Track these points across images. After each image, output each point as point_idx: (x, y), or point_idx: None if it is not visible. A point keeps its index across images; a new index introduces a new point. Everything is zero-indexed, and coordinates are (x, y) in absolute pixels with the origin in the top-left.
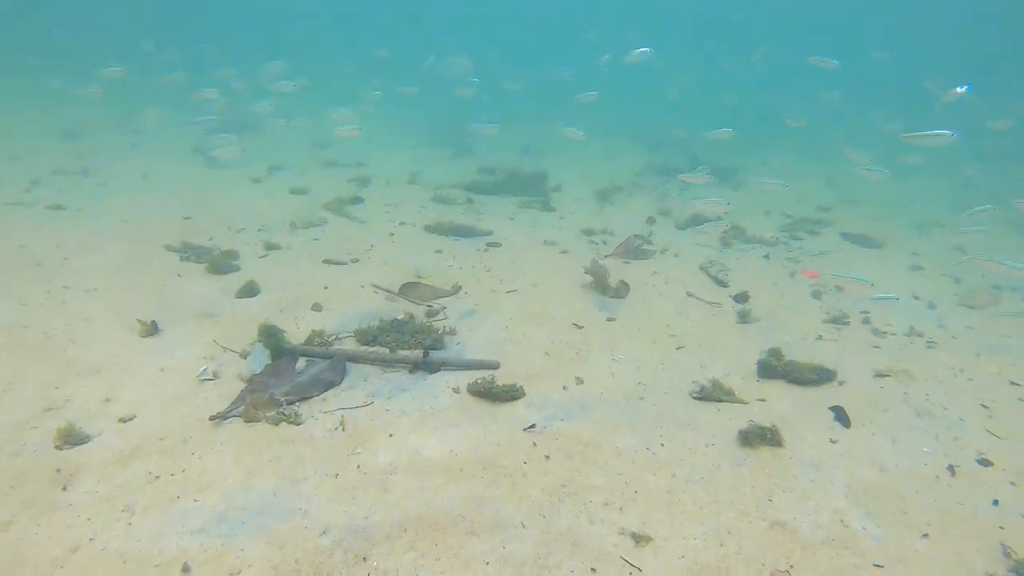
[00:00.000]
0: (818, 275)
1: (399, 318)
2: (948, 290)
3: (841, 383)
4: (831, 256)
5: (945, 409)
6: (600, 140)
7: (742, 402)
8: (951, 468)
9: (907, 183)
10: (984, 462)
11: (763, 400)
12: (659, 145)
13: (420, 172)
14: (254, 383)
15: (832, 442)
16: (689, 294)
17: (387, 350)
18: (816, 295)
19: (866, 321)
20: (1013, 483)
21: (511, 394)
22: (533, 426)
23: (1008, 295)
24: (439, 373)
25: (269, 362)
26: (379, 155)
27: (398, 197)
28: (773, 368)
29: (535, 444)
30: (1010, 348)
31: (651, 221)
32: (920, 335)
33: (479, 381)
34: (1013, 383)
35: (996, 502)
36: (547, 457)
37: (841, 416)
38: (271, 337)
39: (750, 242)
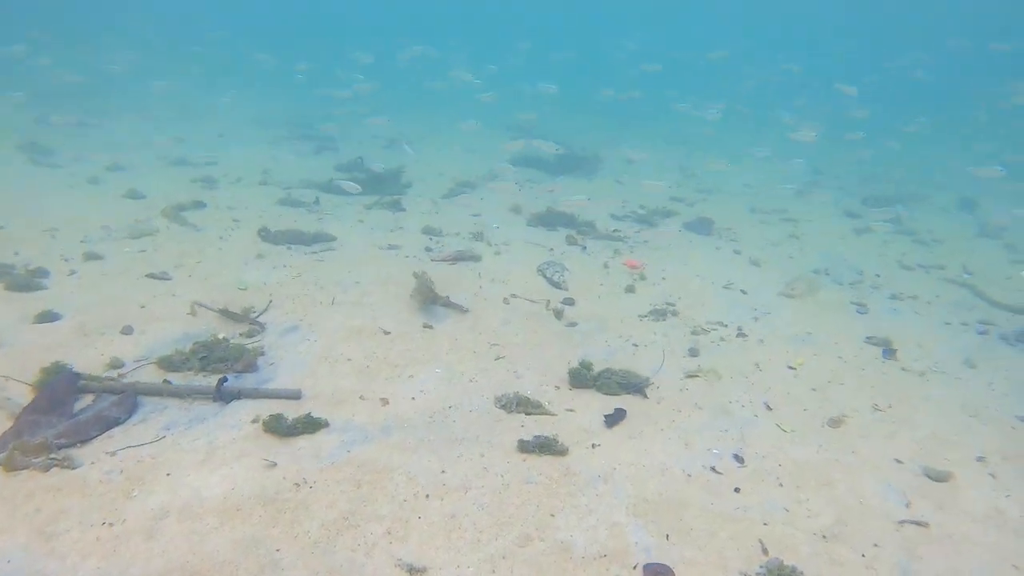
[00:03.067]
0: (642, 265)
1: (210, 340)
2: (774, 280)
3: (651, 388)
4: (663, 248)
5: (743, 407)
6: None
7: (550, 414)
8: (738, 460)
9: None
10: (759, 459)
11: (572, 411)
12: (529, 134)
13: (274, 170)
14: (22, 423)
15: (624, 453)
16: (513, 296)
17: (173, 382)
18: (630, 290)
19: (687, 318)
20: (781, 483)
21: (307, 427)
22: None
23: (825, 282)
24: (241, 401)
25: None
26: (235, 152)
27: (244, 200)
28: (584, 378)
29: (325, 475)
30: (815, 340)
31: (515, 209)
32: (739, 330)
33: (272, 417)
34: (791, 368)
35: (759, 501)
36: (334, 488)
37: (615, 420)
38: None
39: (600, 237)
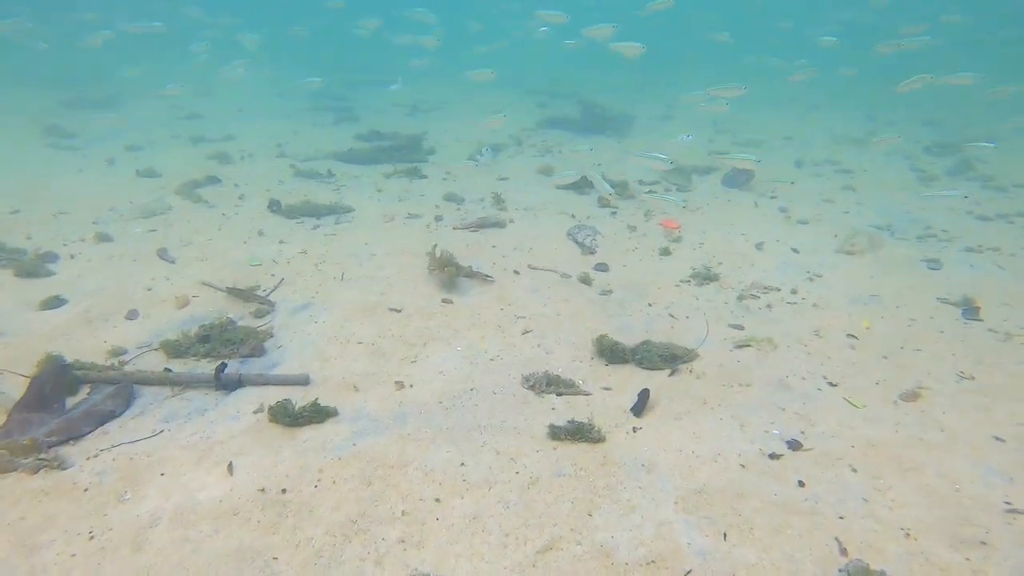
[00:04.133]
0: (679, 226)
1: (215, 323)
2: (828, 237)
3: (698, 361)
4: (701, 207)
5: (803, 379)
6: (496, 93)
7: (584, 394)
8: (801, 443)
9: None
10: (827, 440)
11: (608, 389)
12: (555, 97)
13: (292, 143)
14: (12, 422)
15: (670, 438)
16: (536, 266)
17: (173, 370)
18: (666, 252)
19: (732, 282)
20: (855, 469)
21: (314, 416)
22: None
23: (887, 238)
24: (246, 389)
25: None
26: (253, 126)
27: (259, 174)
28: (621, 352)
29: (332, 472)
30: (882, 301)
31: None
32: (794, 293)
33: (278, 404)
34: (851, 337)
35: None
36: (342, 487)
37: (641, 405)
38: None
39: (631, 198)
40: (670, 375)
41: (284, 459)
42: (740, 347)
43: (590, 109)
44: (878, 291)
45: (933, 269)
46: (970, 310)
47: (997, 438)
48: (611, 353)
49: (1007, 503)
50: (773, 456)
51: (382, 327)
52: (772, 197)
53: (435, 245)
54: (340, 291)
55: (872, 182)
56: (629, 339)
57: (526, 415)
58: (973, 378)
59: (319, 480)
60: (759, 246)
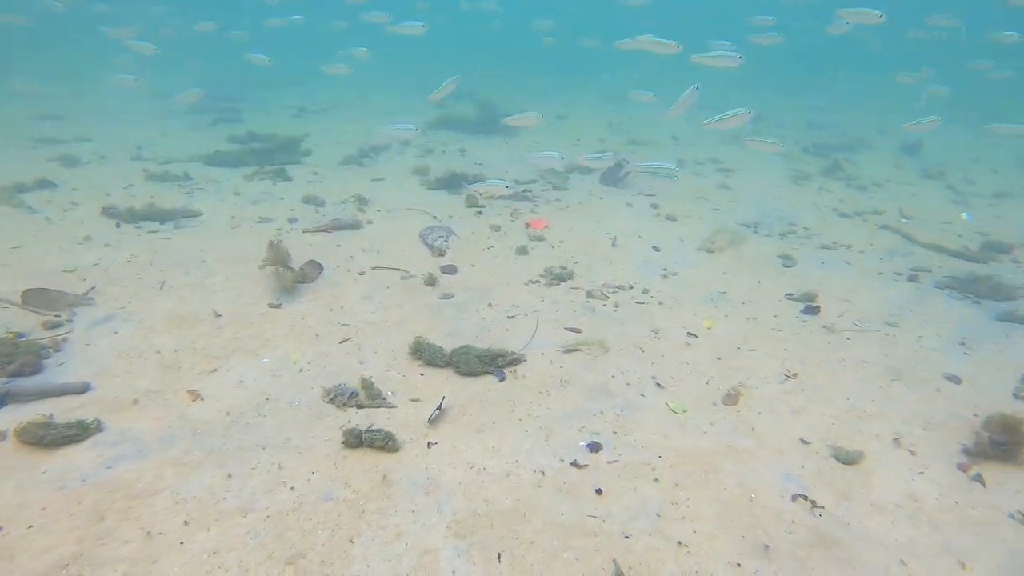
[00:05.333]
0: (547, 225)
1: None
2: (694, 235)
3: (523, 365)
4: (572, 205)
5: (627, 385)
6: (398, 94)
7: (388, 407)
8: (607, 452)
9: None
10: (636, 449)
11: (417, 400)
12: (460, 97)
13: (157, 145)
14: None
15: (465, 452)
16: (380, 267)
17: None
18: (522, 252)
19: (585, 281)
20: (657, 480)
21: (73, 436)
22: None
23: (751, 235)
24: (9, 407)
25: None
26: (118, 128)
27: (107, 177)
28: (438, 358)
29: (58, 507)
30: (730, 299)
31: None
32: (644, 292)
33: (29, 424)
34: (691, 335)
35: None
36: (64, 524)
37: (437, 415)
38: None
39: (507, 198)
40: (499, 381)
41: (3, 495)
42: (569, 351)
43: (486, 109)
44: (728, 289)
45: (787, 266)
46: (810, 307)
47: (803, 440)
48: (428, 360)
49: (795, 514)
50: (574, 468)
51: (189, 338)
52: (648, 195)
53: (280, 244)
54: (155, 300)
55: (748, 181)
56: (455, 344)
57: (316, 432)
58: (796, 376)
59: (37, 519)
60: (621, 244)
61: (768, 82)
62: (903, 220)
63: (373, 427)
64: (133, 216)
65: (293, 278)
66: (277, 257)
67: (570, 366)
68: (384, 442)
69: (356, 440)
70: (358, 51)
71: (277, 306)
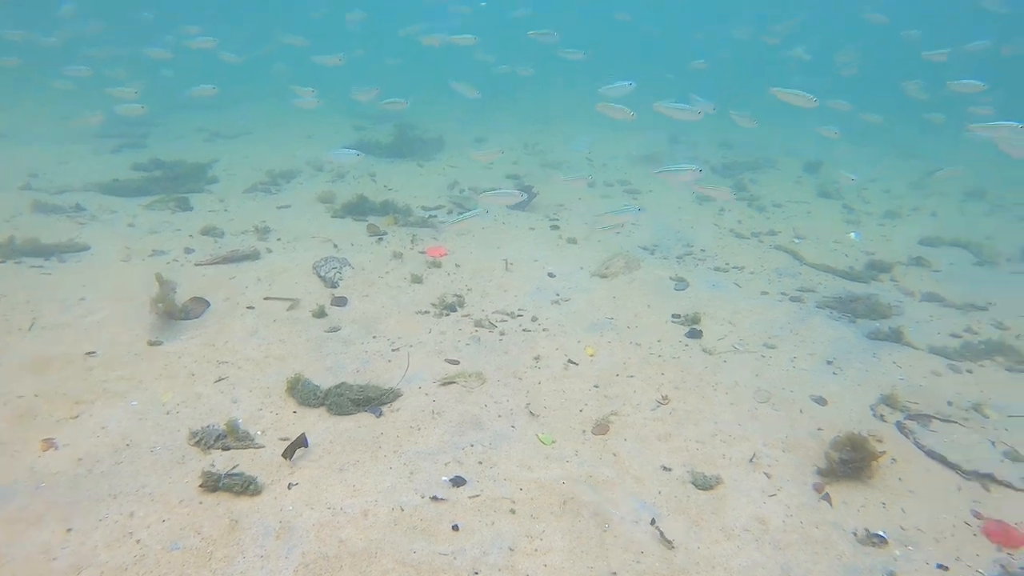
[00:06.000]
0: (445, 253)
1: None
2: (593, 259)
3: (399, 400)
4: (475, 231)
5: (499, 417)
6: (319, 117)
7: (256, 447)
8: (470, 487)
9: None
10: (498, 483)
11: (286, 439)
12: (380, 120)
13: (53, 173)
14: None
15: (325, 493)
16: (269, 299)
17: None
18: (418, 280)
19: (476, 310)
20: (514, 512)
21: None
22: None
23: (647, 258)
24: None
25: None
26: (8, 152)
27: None
28: (313, 396)
29: None
30: (616, 324)
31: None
32: (533, 319)
33: None
34: (571, 363)
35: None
36: None
37: (293, 449)
38: None
39: (414, 225)
40: (377, 417)
41: None
42: (445, 384)
43: (405, 132)
44: (616, 314)
45: (679, 290)
46: (693, 331)
47: (665, 467)
48: (302, 399)
49: (647, 544)
50: (434, 504)
51: (54, 381)
52: (553, 219)
53: (166, 279)
54: (20, 342)
55: (654, 202)
56: (335, 379)
57: (174, 477)
58: (668, 401)
59: None
60: (517, 270)
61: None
62: (795, 240)
63: (233, 471)
64: (12, 251)
65: (176, 314)
66: (162, 292)
67: (444, 399)
68: (244, 486)
69: (214, 484)
70: (304, 94)
71: (157, 344)
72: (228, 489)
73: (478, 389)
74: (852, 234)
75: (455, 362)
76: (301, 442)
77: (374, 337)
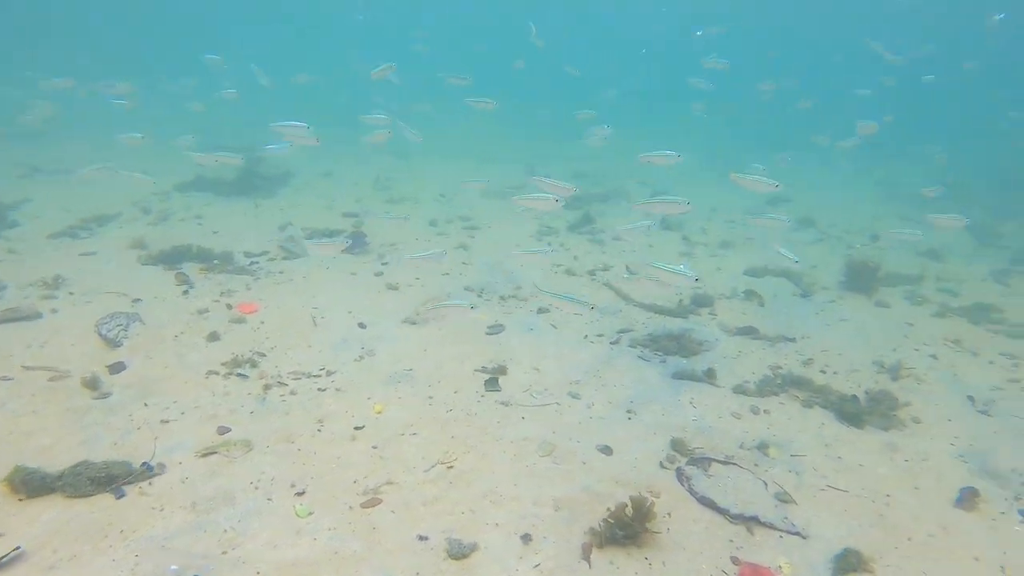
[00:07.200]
0: (257, 309)
1: None
2: (411, 305)
3: (156, 476)
4: (296, 279)
5: (256, 489)
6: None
7: None
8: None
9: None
10: (236, 566)
11: (2, 535)
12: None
13: None
14: None
15: None
16: (30, 367)
17: None
18: (214, 338)
19: (271, 368)
20: None
21: None
22: None
23: (455, 301)
24: None
25: None
26: None
27: None
28: (42, 481)
29: None
30: (414, 378)
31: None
32: (330, 374)
33: None
34: (356, 429)
35: None
36: None
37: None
38: None
39: (235, 272)
40: (118, 499)
41: None
42: (206, 454)
43: (252, 167)
44: (417, 366)
45: (492, 335)
46: (492, 381)
47: (422, 537)
48: (28, 485)
49: None
50: None
51: None
52: (383, 262)
53: None
54: None
55: (491, 239)
56: (91, 454)
57: None
58: (447, 463)
59: None
60: (326, 323)
61: (541, 130)
62: (626, 276)
63: None
64: None
65: None
66: None
67: (199, 472)
68: None
69: None
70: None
71: None
72: None
73: (241, 459)
74: (680, 266)
75: (227, 429)
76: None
77: (146, 404)
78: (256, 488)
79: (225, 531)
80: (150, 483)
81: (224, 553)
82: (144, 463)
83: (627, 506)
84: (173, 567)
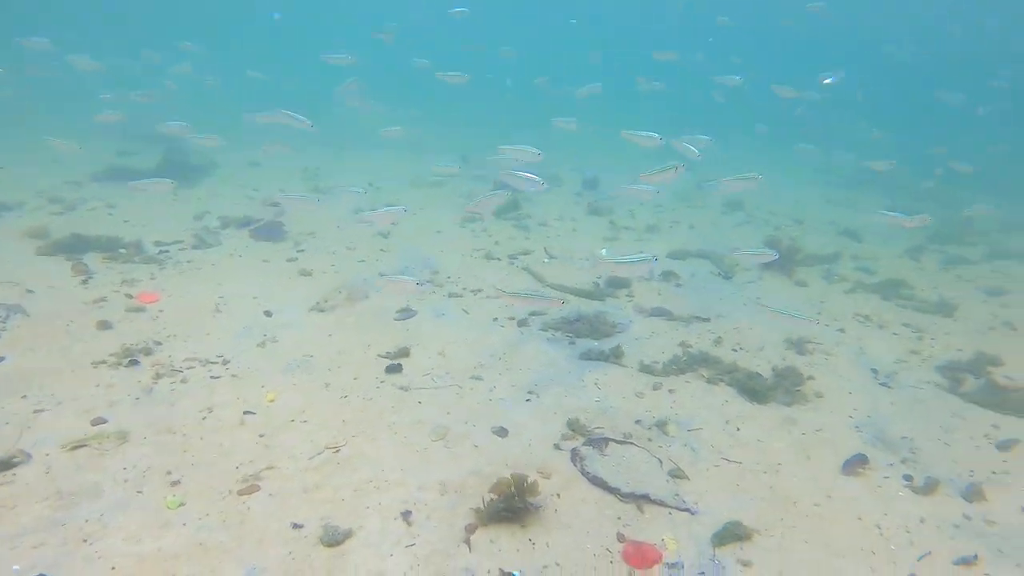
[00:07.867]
0: (158, 298)
1: None
2: (321, 293)
3: (8, 470)
4: (206, 267)
5: (126, 482)
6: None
7: None
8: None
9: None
10: (93, 562)
11: None
12: (159, 143)
13: None
14: None
15: None
16: None
17: None
18: (106, 327)
19: (164, 357)
20: None
21: None
22: None
23: (373, 293)
24: None
25: None
26: None
27: None
28: None
29: None
30: (313, 364)
31: None
32: (226, 362)
33: None
34: (248, 413)
35: None
36: None
37: None
38: None
39: (143, 261)
40: None
41: None
42: (74, 448)
43: (172, 156)
44: (319, 352)
45: (401, 319)
46: (393, 366)
47: (296, 525)
48: None
49: None
50: None
51: None
52: (298, 249)
53: None
54: None
55: (414, 225)
56: None
57: None
58: (335, 448)
59: None
60: (229, 310)
61: (483, 119)
62: (545, 260)
63: None
64: None
65: None
66: None
67: (64, 467)
68: None
69: None
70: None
71: None
72: None
73: (113, 451)
74: (603, 251)
75: (102, 420)
76: None
77: (24, 397)
78: (126, 480)
79: (80, 528)
80: (13, 474)
81: (76, 550)
82: (5, 458)
83: (509, 482)
84: (16, 567)
